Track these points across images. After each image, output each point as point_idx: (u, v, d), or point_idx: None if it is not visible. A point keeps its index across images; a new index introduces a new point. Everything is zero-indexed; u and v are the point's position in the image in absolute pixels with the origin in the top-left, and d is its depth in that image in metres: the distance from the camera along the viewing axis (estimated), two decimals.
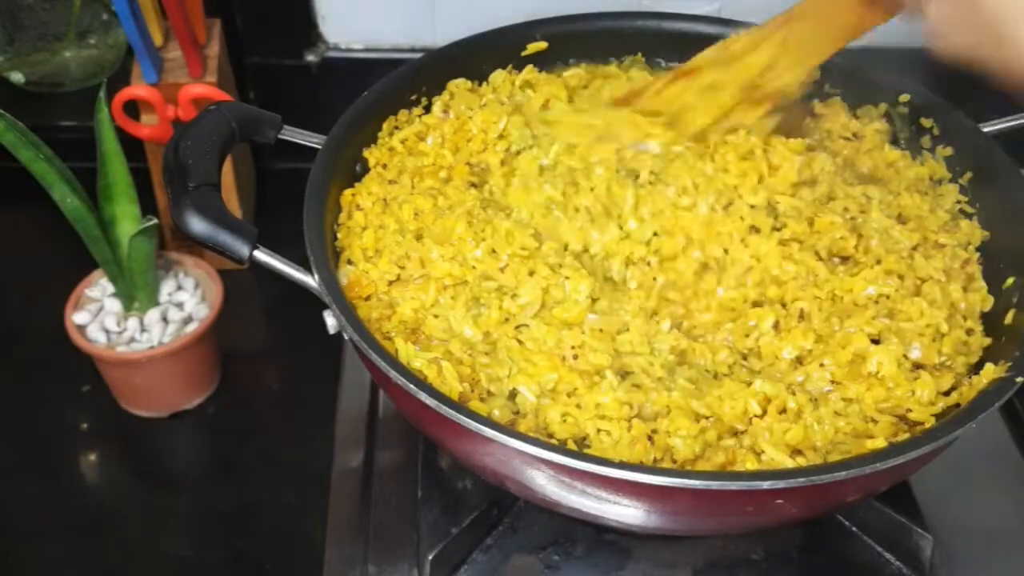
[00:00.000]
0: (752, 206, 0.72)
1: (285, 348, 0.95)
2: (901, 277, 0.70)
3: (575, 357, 0.65)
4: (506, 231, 0.70)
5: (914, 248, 0.72)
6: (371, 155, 0.78)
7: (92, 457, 0.86)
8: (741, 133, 0.75)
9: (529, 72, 0.83)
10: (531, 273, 0.69)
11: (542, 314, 0.67)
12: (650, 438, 0.62)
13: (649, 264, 0.70)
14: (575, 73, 0.85)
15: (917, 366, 0.66)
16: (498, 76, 0.83)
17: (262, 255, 0.64)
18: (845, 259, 0.72)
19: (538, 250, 0.70)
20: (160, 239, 0.86)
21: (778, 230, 0.71)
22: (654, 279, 0.70)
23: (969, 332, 0.69)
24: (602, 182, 0.72)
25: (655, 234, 0.71)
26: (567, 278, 0.68)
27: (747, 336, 0.68)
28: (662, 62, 0.86)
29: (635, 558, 0.73)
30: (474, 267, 0.69)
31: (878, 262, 0.70)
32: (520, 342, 0.66)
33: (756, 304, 0.70)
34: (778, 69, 0.73)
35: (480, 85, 0.83)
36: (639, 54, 0.86)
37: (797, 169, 0.73)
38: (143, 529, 0.80)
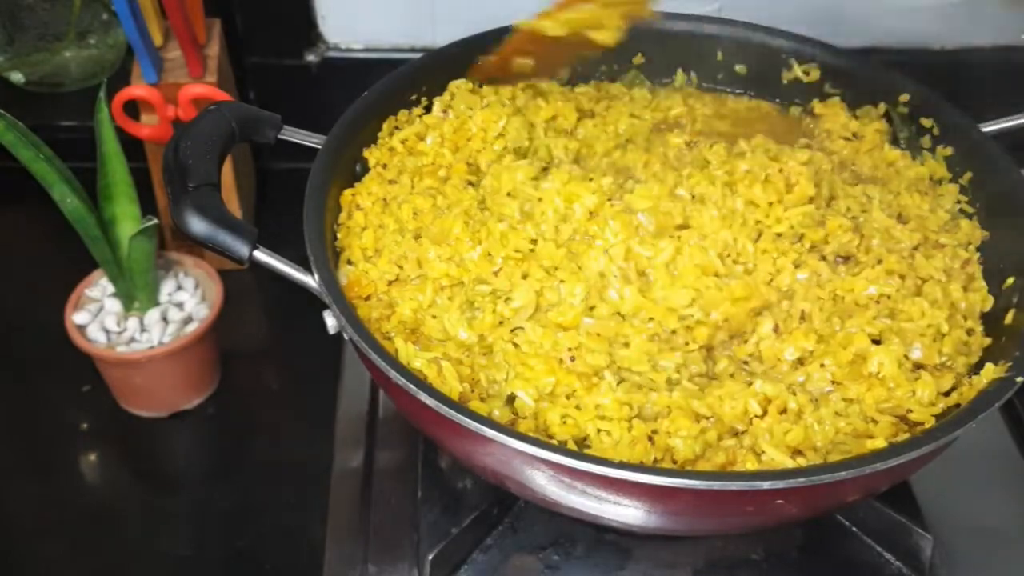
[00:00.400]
0: (779, 234, 0.71)
1: (285, 348, 0.95)
2: (902, 277, 0.70)
3: (572, 359, 0.64)
4: (500, 234, 0.70)
5: (915, 248, 0.72)
6: (371, 155, 0.78)
7: (92, 457, 0.86)
8: (755, 157, 0.75)
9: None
10: (524, 276, 0.68)
11: (537, 317, 0.67)
12: (650, 439, 0.62)
13: (675, 332, 0.67)
14: (585, 91, 0.85)
15: (918, 366, 0.66)
16: None
17: (262, 255, 0.64)
18: (847, 258, 0.72)
19: (532, 252, 0.70)
20: (160, 239, 0.86)
21: (799, 241, 0.72)
22: (685, 343, 0.67)
23: (969, 332, 0.69)
24: (620, 243, 0.69)
25: (695, 316, 0.67)
26: (562, 281, 0.68)
27: (746, 342, 0.68)
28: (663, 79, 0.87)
29: (635, 558, 0.73)
30: (469, 269, 0.69)
31: (879, 262, 0.70)
32: (516, 345, 0.66)
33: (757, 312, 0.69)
34: None
35: (481, 86, 0.83)
36: (639, 54, 0.86)
37: (812, 182, 0.74)
38: (143, 529, 0.80)
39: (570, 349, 0.65)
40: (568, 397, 0.64)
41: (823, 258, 0.71)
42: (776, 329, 0.68)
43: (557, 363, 0.64)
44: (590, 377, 0.64)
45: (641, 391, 0.63)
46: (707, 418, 0.63)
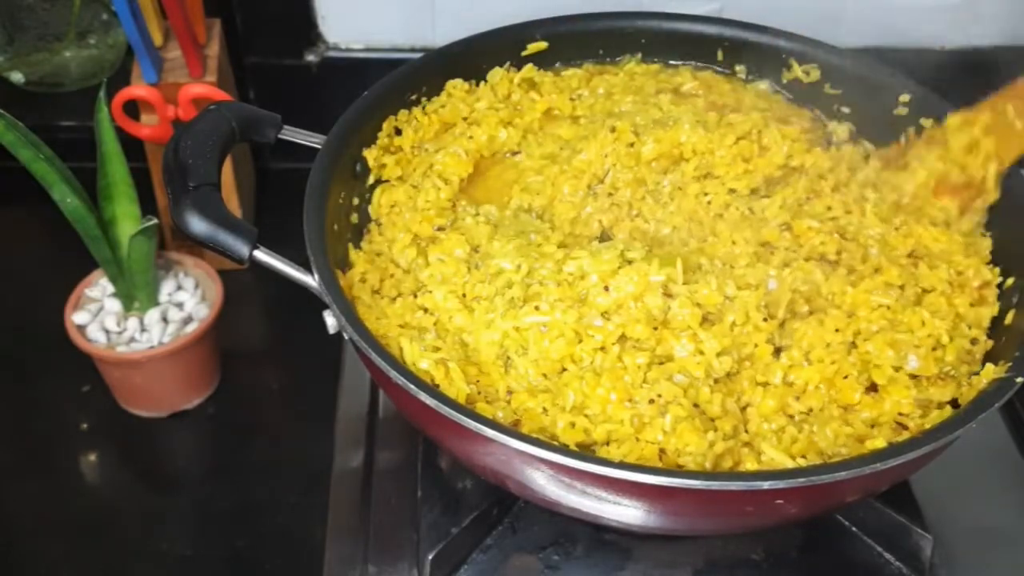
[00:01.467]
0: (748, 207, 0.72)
1: (285, 348, 0.95)
2: (902, 287, 0.69)
3: (651, 402, 0.62)
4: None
5: (909, 255, 0.72)
6: (371, 155, 0.78)
7: (92, 457, 0.86)
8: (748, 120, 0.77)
9: (529, 71, 0.83)
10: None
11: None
12: (659, 458, 0.62)
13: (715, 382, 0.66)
14: (574, 73, 0.85)
15: (914, 376, 0.66)
16: (496, 74, 0.83)
17: (262, 255, 0.64)
18: (834, 262, 0.72)
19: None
20: (160, 239, 0.86)
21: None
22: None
23: (974, 342, 0.68)
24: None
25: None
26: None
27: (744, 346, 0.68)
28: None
29: (635, 558, 0.73)
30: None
31: (876, 271, 0.70)
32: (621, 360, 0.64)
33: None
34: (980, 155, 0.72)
35: (478, 85, 0.83)
36: (639, 54, 0.86)
37: (785, 153, 0.75)
38: (143, 529, 0.80)
39: (660, 396, 0.63)
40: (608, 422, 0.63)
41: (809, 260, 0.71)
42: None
43: (627, 403, 0.63)
44: (655, 416, 0.62)
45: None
46: (712, 420, 0.63)
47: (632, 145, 0.77)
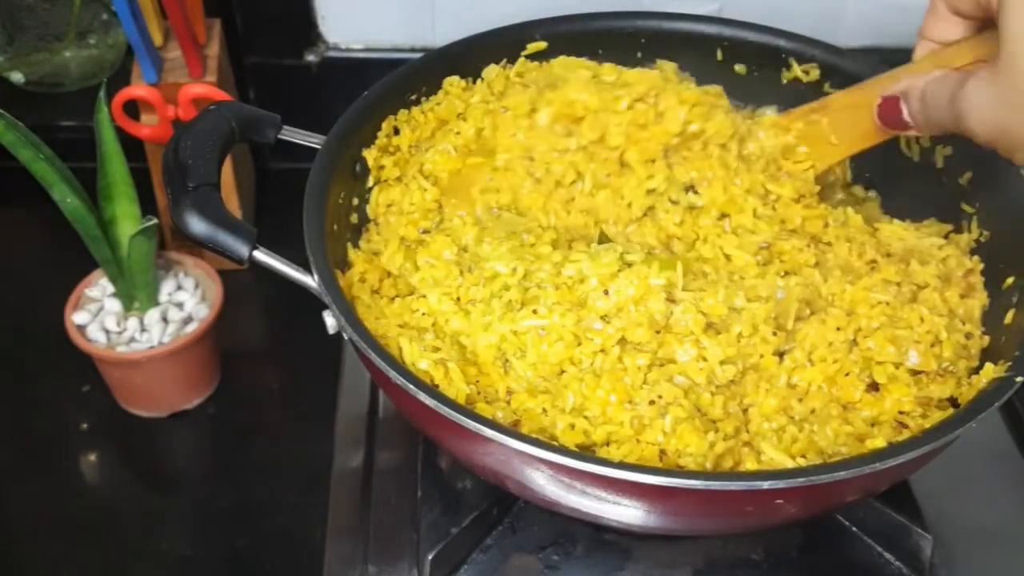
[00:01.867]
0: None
1: (285, 348, 0.95)
2: (899, 284, 0.69)
3: (652, 403, 0.62)
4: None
5: (887, 255, 0.72)
6: (371, 155, 0.78)
7: (92, 457, 0.86)
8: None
9: (522, 64, 0.83)
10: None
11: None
12: (660, 459, 0.62)
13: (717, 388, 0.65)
14: (561, 61, 0.85)
15: (915, 373, 0.66)
16: (491, 71, 0.83)
17: (262, 255, 0.64)
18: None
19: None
20: (160, 239, 0.86)
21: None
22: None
23: (968, 336, 0.68)
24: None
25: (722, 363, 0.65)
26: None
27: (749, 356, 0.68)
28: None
29: (635, 558, 0.73)
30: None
31: (872, 268, 0.70)
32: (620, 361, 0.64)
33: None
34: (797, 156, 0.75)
35: (475, 83, 0.83)
36: (638, 54, 0.86)
37: (682, 120, 0.75)
38: (143, 529, 0.80)
39: (660, 397, 0.62)
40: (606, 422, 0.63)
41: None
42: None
43: (627, 405, 0.62)
44: (655, 417, 0.62)
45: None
46: (713, 421, 0.63)
47: (530, 115, 0.76)
